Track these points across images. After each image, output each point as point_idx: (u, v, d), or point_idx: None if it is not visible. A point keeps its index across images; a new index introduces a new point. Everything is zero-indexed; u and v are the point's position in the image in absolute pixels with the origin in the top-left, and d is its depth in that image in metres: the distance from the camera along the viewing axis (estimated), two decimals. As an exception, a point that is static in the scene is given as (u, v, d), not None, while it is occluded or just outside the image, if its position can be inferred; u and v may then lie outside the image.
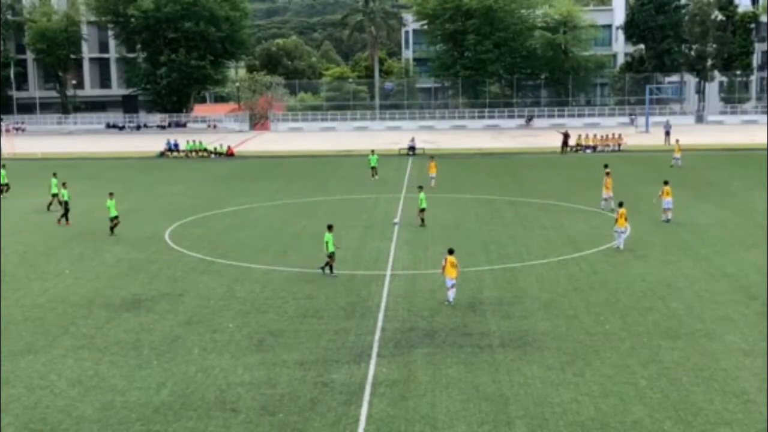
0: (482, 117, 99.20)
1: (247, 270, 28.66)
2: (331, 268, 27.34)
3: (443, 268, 24.17)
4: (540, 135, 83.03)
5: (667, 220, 35.53)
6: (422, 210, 35.72)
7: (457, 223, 37.05)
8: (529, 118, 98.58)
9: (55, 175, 42.76)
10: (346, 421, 16.36)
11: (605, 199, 38.89)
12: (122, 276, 28.04)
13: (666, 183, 36.29)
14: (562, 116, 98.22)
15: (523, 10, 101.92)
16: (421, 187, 37.66)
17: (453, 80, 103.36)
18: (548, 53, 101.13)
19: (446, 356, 19.78)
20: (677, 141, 59.19)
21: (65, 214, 37.62)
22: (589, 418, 16.33)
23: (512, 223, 36.90)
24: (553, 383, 18.04)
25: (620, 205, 31.60)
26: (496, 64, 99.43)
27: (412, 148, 68.10)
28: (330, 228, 27.56)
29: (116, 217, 34.73)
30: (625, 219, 30.65)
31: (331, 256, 27.21)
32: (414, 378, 18.49)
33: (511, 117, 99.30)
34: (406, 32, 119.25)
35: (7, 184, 42.98)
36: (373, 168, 52.48)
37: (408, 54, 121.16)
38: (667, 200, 35.72)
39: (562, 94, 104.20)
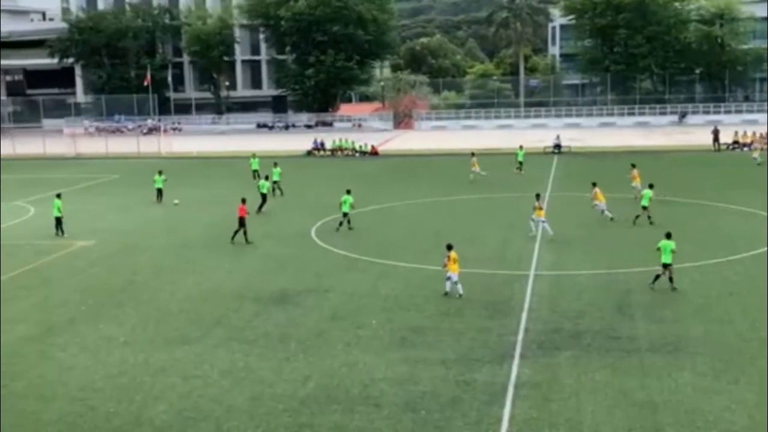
0: (632, 114, 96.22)
1: (390, 267, 28.91)
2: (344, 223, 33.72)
3: (445, 264, 24.60)
4: (694, 132, 79.83)
5: None
6: (644, 208, 35.22)
7: (604, 222, 36.10)
8: (683, 115, 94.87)
9: (160, 173, 45.11)
10: (488, 421, 16.23)
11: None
12: (271, 271, 28.86)
13: None
14: (718, 113, 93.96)
15: (676, 3, 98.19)
16: (650, 185, 36.72)
17: (602, 76, 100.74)
18: (703, 47, 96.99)
19: (592, 359, 19.31)
20: None
21: (261, 205, 39.60)
22: (742, 428, 15.57)
23: (663, 223, 35.57)
24: (705, 391, 17.31)
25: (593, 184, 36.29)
26: (648, 58, 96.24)
27: (557, 146, 66.90)
28: (348, 192, 34.70)
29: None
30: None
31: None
32: (558, 381, 18.15)
33: (663, 114, 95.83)
34: (553, 28, 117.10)
35: (160, 190, 44.58)
36: (520, 163, 52.19)
37: (554, 50, 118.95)
38: None
39: (718, 90, 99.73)
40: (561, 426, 15.97)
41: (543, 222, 32.95)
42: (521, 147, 54.42)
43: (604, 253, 30.27)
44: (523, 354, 19.82)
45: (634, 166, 43.70)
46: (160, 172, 45.35)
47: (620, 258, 29.19)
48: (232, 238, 33.32)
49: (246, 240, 33.02)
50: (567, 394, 17.41)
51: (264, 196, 40.53)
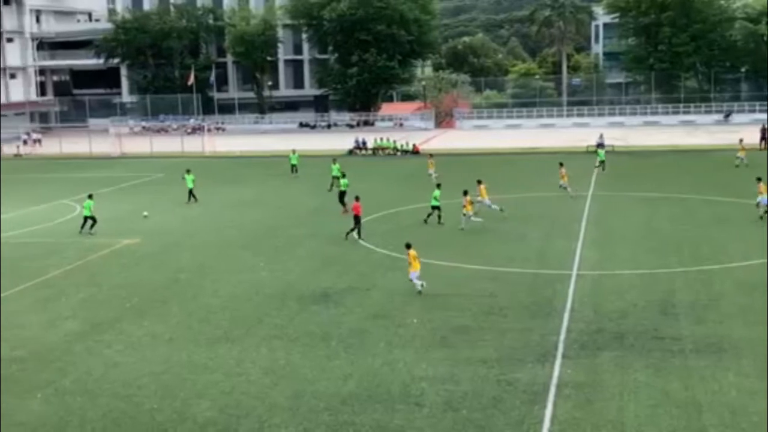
0: (676, 112, 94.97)
1: (432, 266, 28.85)
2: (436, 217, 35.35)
3: (409, 263, 25.29)
4: (739, 131, 78.57)
5: None
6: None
7: (647, 222, 35.76)
8: (728, 114, 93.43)
9: (189, 171, 45.41)
10: (530, 421, 16.17)
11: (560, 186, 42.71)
12: (313, 270, 29.01)
13: None
14: (764, 111, 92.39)
15: (721, 1, 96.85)
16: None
17: (646, 75, 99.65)
18: (749, 45, 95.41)
19: (635, 360, 19.15)
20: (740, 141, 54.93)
21: (342, 202, 39.66)
22: (790, 431, 15.33)
23: (708, 223, 35.19)
24: (750, 392, 17.07)
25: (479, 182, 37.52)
26: (693, 57, 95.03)
27: (600, 145, 66.20)
28: (438, 186, 36.65)
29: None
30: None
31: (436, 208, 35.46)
32: (601, 381, 18.02)
33: (708, 112, 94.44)
34: (596, 26, 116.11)
35: (191, 190, 44.74)
36: (601, 162, 52.60)
37: (597, 48, 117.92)
38: None
39: (764, 88, 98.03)
40: (604, 426, 15.86)
41: (471, 216, 34.91)
42: (601, 146, 54.17)
43: (648, 253, 29.96)
44: (565, 354, 19.71)
45: (562, 164, 44.49)
46: (188, 171, 45.66)
47: (664, 258, 28.88)
48: (347, 234, 33.43)
49: (359, 236, 33.06)
50: (610, 395, 17.28)
51: (343, 193, 40.30)
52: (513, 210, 38.84)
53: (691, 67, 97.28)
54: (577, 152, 64.52)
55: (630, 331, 21.18)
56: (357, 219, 33.74)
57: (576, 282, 26.19)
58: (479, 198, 37.59)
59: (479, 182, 38.42)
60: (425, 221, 36.17)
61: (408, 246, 25.70)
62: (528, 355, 19.71)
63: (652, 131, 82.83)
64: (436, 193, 36.42)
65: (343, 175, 41.70)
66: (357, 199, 34.49)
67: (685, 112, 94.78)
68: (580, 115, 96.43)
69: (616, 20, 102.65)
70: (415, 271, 25.23)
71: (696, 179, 48.66)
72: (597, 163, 53.11)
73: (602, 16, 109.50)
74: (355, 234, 33.50)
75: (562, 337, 20.95)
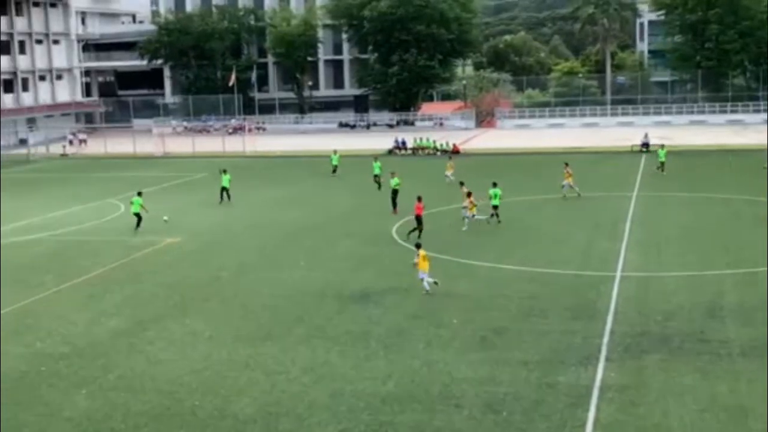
0: (724, 111, 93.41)
1: (471, 267, 28.73)
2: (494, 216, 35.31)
3: (417, 263, 25.37)
4: (788, 130, 77.16)
5: None
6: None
7: (693, 223, 35.21)
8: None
9: (225, 171, 45.40)
10: (572, 424, 15.94)
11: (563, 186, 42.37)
12: (352, 269, 29.00)
13: None
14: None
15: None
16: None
17: (692, 73, 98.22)
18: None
19: (680, 363, 18.81)
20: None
21: (394, 203, 39.56)
22: (842, 438, 14.94)
23: (755, 224, 34.51)
24: (801, 398, 16.66)
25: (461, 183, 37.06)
26: (741, 54, 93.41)
27: (645, 145, 65.48)
28: (495, 184, 36.28)
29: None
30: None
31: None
32: (645, 384, 17.74)
33: (757, 111, 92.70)
34: (641, 24, 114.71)
35: (225, 189, 44.76)
36: (661, 163, 51.38)
37: (642, 46, 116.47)
38: None
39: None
40: (648, 430, 15.60)
41: (474, 216, 34.93)
42: (663, 146, 53.31)
43: (694, 254, 29.49)
44: (608, 357, 19.43)
45: (567, 164, 44.23)
46: (224, 171, 45.84)
47: (710, 259, 28.39)
48: (409, 233, 33.35)
49: (418, 236, 32.94)
50: (654, 398, 16.99)
51: (395, 192, 40.14)
52: (555, 211, 38.49)
53: (738, 64, 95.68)
54: (622, 152, 63.81)
55: (675, 334, 20.83)
56: (419, 219, 33.40)
57: (620, 284, 25.84)
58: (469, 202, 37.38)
59: (461, 184, 38.41)
60: (488, 222, 35.88)
61: (418, 246, 25.92)
62: (570, 357, 19.46)
63: (699, 130, 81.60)
64: (497, 191, 36.22)
65: (393, 175, 41.38)
66: (419, 199, 34.00)
67: (732, 111, 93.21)
68: (624, 114, 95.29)
69: (662, 17, 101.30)
70: (423, 271, 25.25)
71: (743, 179, 47.77)
72: (658, 165, 51.75)
73: (647, 14, 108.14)
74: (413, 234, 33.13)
75: (606, 339, 20.65)
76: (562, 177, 43.24)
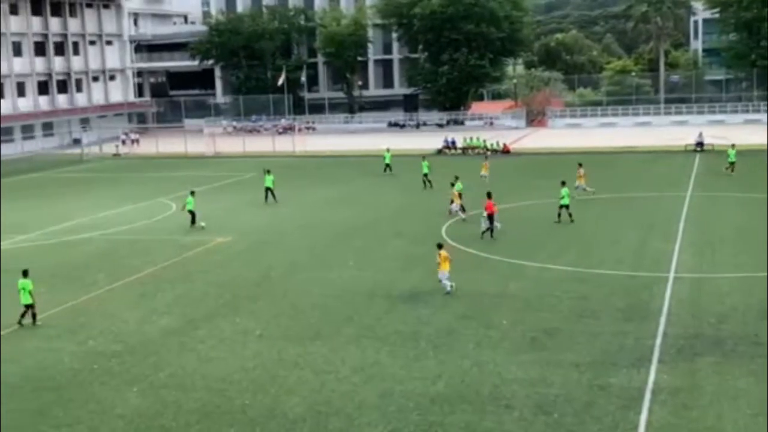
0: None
1: (521, 267, 28.52)
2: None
3: (438, 264, 25.27)
4: None
5: None
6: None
7: (747, 223, 34.51)
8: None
9: (268, 171, 45.62)
10: (624, 427, 15.74)
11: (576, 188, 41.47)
12: (401, 269, 28.96)
13: None
14: None
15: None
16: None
17: (747, 71, 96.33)
18: None
19: (734, 366, 18.47)
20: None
21: (462, 207, 38.93)
22: None
23: (813, 225, 33.70)
24: None
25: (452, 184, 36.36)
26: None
27: (699, 144, 64.41)
28: (563, 183, 35.83)
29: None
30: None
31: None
32: (698, 387, 17.44)
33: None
34: (695, 22, 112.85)
35: (269, 189, 44.92)
36: (731, 163, 50.15)
37: (696, 44, 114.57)
38: None
39: None
40: (701, 435, 15.33)
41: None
42: (733, 146, 52.35)
43: (748, 255, 28.91)
44: (661, 359, 19.14)
45: (581, 165, 43.82)
46: (268, 171, 46.08)
47: (765, 260, 27.74)
48: (482, 233, 33.29)
49: (491, 235, 33.00)
50: (708, 401, 16.70)
51: (459, 195, 39.95)
52: (608, 211, 38.04)
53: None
54: (676, 151, 62.84)
55: (729, 336, 20.46)
56: (491, 218, 33.26)
57: (673, 285, 25.45)
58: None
59: (452, 185, 38.26)
60: (557, 221, 35.66)
61: (440, 246, 25.84)
62: (622, 359, 19.22)
63: (754, 129, 79.90)
64: (565, 191, 35.85)
65: (457, 178, 41.17)
66: (489, 196, 33.90)
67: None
68: (678, 113, 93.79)
69: (716, 15, 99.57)
70: (444, 271, 25.19)
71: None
72: (727, 165, 50.53)
73: (702, 12, 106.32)
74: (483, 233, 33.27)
75: (658, 341, 20.36)
76: (575, 178, 42.52)
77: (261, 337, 22.01)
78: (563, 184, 36.14)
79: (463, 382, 18.20)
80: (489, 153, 68.25)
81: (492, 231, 33.09)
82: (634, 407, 16.55)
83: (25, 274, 23.89)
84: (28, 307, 23.67)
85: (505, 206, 39.41)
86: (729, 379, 17.77)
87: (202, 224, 37.49)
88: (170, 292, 27.06)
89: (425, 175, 48.02)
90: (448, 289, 25.13)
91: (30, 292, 23.58)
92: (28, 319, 23.72)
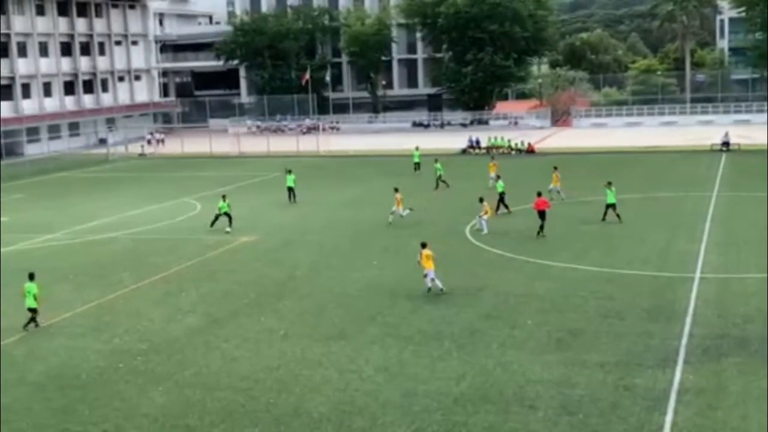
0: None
1: (546, 267, 28.42)
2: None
3: (419, 261, 25.36)
4: None
5: None
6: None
7: (776, 224, 34.17)
8: None
9: (290, 171, 45.70)
10: (650, 428, 15.66)
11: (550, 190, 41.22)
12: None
13: None
14: None
15: None
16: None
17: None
18: None
19: (760, 367, 18.31)
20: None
21: (505, 204, 39.07)
22: None
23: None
24: None
25: (480, 200, 34.93)
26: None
27: (725, 144, 63.87)
28: (609, 184, 35.20)
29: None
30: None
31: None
32: (724, 388, 17.31)
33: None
34: (721, 21, 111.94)
35: (291, 189, 44.96)
36: None
37: (722, 44, 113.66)
38: None
39: None
40: (727, 436, 15.21)
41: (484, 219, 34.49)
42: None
43: (776, 256, 28.61)
44: (686, 359, 19.02)
45: (556, 168, 43.66)
46: (289, 171, 46.15)
47: (794, 261, 27.50)
48: (538, 233, 33.24)
49: (540, 233, 32.98)
50: (733, 402, 16.57)
51: (502, 195, 39.54)
52: (633, 211, 37.82)
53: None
54: (701, 151, 62.35)
55: (755, 337, 20.29)
56: (542, 215, 33.28)
57: (699, 285, 25.27)
58: (393, 208, 37.48)
59: (396, 190, 38.16)
60: (603, 219, 35.59)
61: (423, 245, 25.69)
62: (647, 359, 19.11)
63: (780, 129, 79.17)
64: (611, 191, 35.62)
65: (498, 178, 41.16)
66: (539, 194, 34.26)
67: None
68: (704, 112, 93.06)
69: (743, 14, 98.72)
70: (429, 269, 25.16)
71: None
72: None
73: (727, 11, 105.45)
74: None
75: (684, 341, 20.23)
76: (549, 181, 42.38)
77: (285, 336, 22.09)
78: (609, 184, 35.85)
79: (487, 382, 18.17)
80: (513, 153, 68.10)
81: (542, 228, 33.08)
82: (659, 408, 16.46)
83: (31, 277, 23.61)
84: (32, 311, 23.34)
85: (527, 206, 39.27)
86: (754, 380, 17.62)
87: (227, 229, 37.22)
88: (195, 291, 27.21)
89: (439, 176, 47.99)
90: (429, 285, 25.18)
91: (35, 296, 23.23)
92: (41, 320, 23.73)
